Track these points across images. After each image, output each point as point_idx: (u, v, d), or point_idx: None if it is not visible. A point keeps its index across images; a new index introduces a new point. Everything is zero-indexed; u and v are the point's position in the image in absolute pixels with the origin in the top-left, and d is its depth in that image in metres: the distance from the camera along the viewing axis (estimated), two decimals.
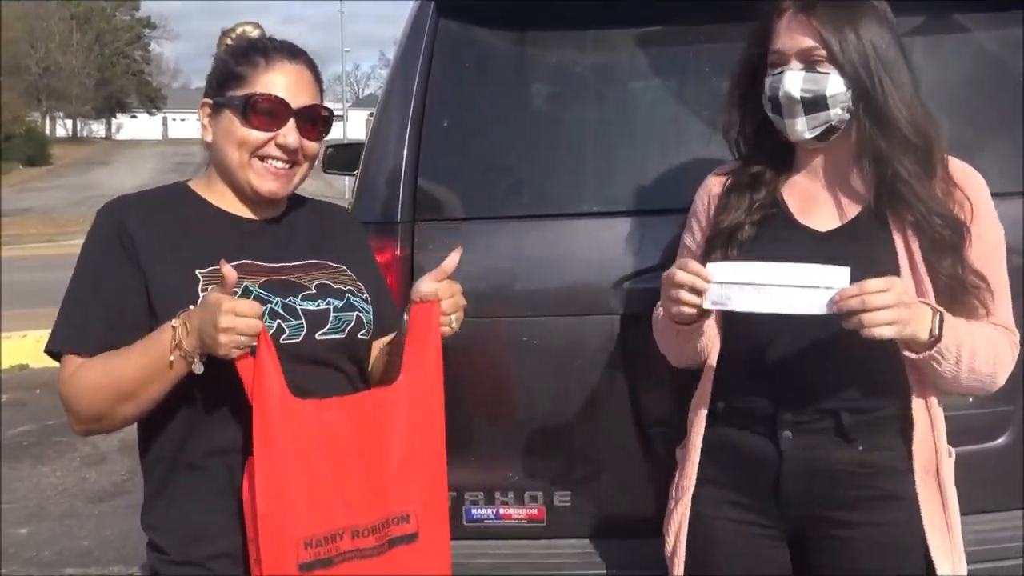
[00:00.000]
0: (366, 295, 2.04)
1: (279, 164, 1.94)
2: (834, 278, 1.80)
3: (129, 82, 76.22)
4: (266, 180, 1.94)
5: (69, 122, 70.15)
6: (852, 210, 2.05)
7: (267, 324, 1.82)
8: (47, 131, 60.86)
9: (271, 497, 1.74)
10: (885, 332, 1.78)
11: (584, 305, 2.47)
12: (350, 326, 1.97)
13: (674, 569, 2.15)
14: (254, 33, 2.03)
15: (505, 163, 2.57)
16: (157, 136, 78.34)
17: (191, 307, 1.78)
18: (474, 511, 2.54)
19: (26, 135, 48.19)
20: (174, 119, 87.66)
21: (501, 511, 2.55)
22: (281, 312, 1.88)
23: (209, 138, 1.98)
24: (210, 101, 1.98)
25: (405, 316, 1.95)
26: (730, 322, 2.12)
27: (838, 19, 1.97)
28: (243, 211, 2.00)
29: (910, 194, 1.96)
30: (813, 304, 1.81)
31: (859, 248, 1.99)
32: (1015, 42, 2.57)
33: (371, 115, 2.62)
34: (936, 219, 1.95)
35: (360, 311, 2.00)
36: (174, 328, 1.75)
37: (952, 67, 2.59)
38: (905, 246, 1.99)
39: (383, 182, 2.53)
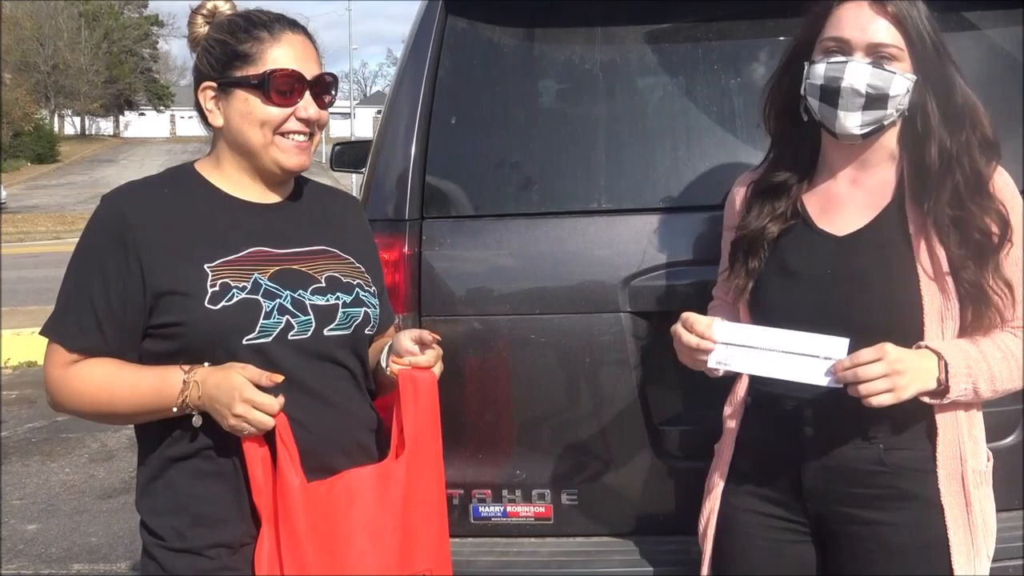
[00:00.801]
0: (373, 289, 2.04)
1: (301, 138, 1.93)
2: (832, 348, 1.83)
3: (137, 80, 76.34)
4: (292, 155, 1.93)
5: (77, 119, 70.32)
6: (872, 212, 2.02)
7: (275, 320, 1.84)
8: (55, 128, 61.00)
9: (297, 570, 1.80)
10: (884, 400, 1.81)
11: (593, 303, 2.46)
12: (357, 322, 1.98)
13: (704, 560, 2.17)
14: (225, 7, 1.99)
15: (513, 160, 2.56)
16: (165, 134, 78.52)
17: (206, 364, 1.81)
18: (481, 509, 2.54)
19: (35, 132, 48.32)
20: (182, 117, 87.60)
21: (508, 509, 2.54)
22: (290, 308, 1.88)
23: (219, 122, 1.95)
24: (213, 84, 1.94)
25: (388, 369, 1.98)
26: (753, 309, 2.11)
27: (911, 16, 1.93)
28: (252, 195, 1.98)
29: (957, 198, 1.93)
30: (812, 374, 1.85)
31: (878, 253, 1.97)
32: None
33: (378, 112, 2.61)
34: (975, 225, 1.93)
35: (368, 306, 2.00)
36: (186, 383, 1.78)
37: (963, 64, 2.58)
38: (928, 249, 1.96)
39: (391, 179, 2.53)
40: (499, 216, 2.53)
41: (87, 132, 70.10)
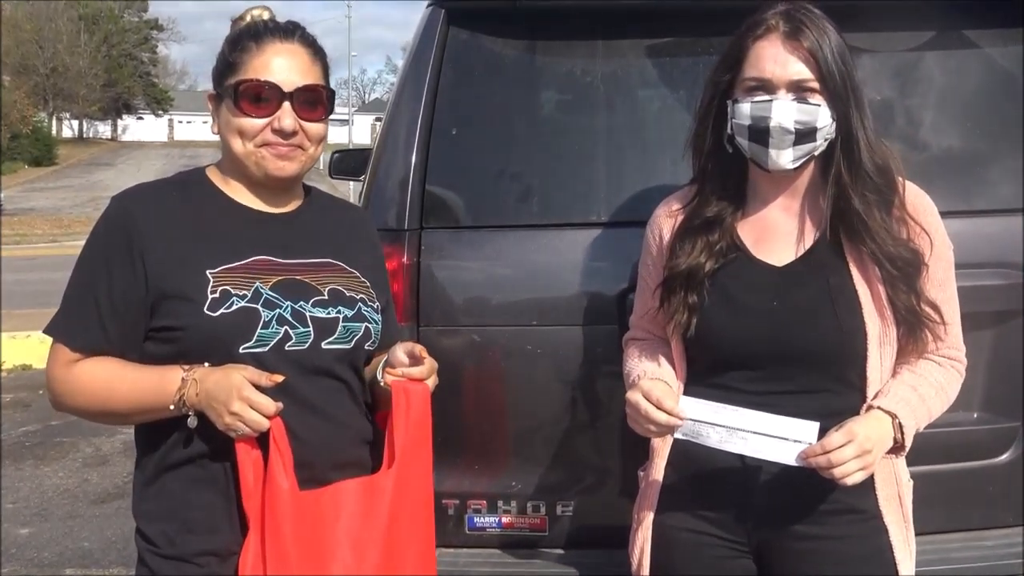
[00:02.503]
0: (376, 304, 2.04)
1: (283, 148, 1.92)
2: (803, 432, 1.84)
3: (136, 83, 76.29)
4: (273, 162, 1.92)
5: (76, 122, 70.24)
6: (808, 239, 2.03)
7: (273, 330, 1.84)
8: (53, 131, 60.95)
9: None
10: (857, 478, 1.84)
11: (591, 315, 2.47)
12: (357, 336, 1.97)
13: (634, 562, 2.14)
14: (265, 15, 1.99)
15: (513, 171, 2.57)
16: (163, 138, 78.59)
17: (206, 364, 1.81)
18: (476, 519, 2.55)
19: (32, 135, 48.27)
20: (180, 121, 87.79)
21: (503, 520, 2.55)
22: (289, 319, 1.88)
23: (215, 130, 1.98)
24: (213, 92, 1.98)
25: (382, 381, 1.97)
26: (695, 344, 2.08)
27: (824, 46, 1.92)
28: (258, 203, 1.99)
29: (866, 229, 1.95)
30: (783, 455, 1.86)
31: (819, 281, 1.98)
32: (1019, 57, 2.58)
33: (377, 119, 2.59)
34: (891, 255, 1.95)
35: (369, 322, 2.00)
36: (184, 380, 1.78)
37: (961, 82, 2.59)
38: (864, 277, 1.98)
39: (391, 189, 2.54)
40: (498, 227, 2.54)
41: (85, 135, 69.98)
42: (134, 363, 1.87)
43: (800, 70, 1.92)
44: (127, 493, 5.75)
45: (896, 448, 1.94)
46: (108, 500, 5.65)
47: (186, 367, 1.81)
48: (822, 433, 1.84)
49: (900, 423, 1.91)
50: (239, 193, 1.98)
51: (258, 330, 1.85)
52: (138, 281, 1.84)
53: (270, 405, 1.76)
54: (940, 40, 2.57)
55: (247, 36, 1.94)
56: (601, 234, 2.52)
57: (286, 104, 1.90)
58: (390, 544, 1.90)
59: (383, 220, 2.49)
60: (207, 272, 1.85)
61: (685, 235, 2.09)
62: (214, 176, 2.01)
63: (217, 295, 1.84)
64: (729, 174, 2.07)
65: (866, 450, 1.82)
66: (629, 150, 2.57)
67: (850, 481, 1.82)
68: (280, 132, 1.90)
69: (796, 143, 1.93)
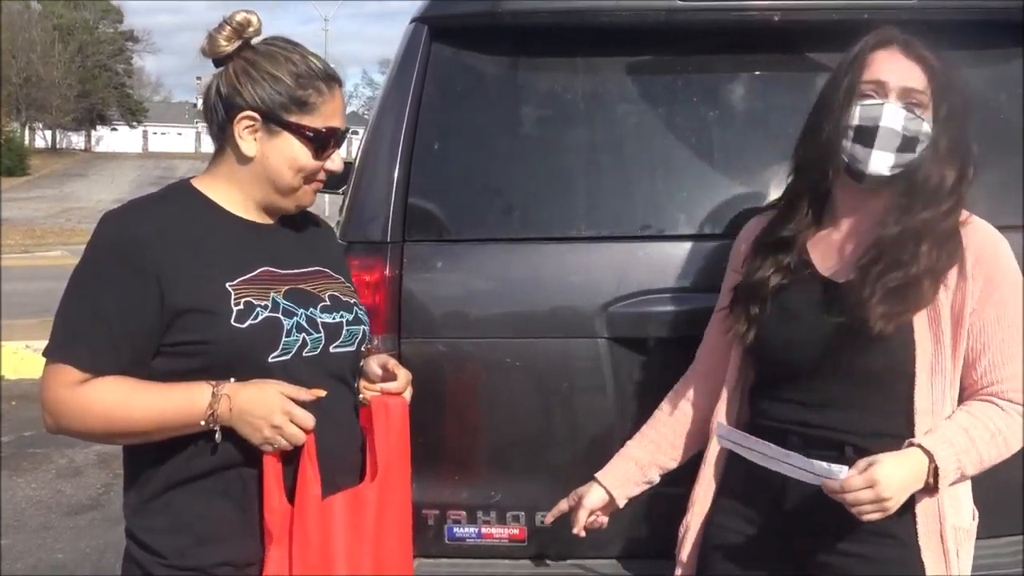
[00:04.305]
0: (364, 308, 2.10)
1: (319, 185, 2.01)
2: (831, 472, 1.88)
3: (110, 94, 75.78)
4: (309, 198, 2.03)
5: (49, 133, 69.66)
6: (868, 255, 2.04)
7: (294, 338, 1.88)
8: (26, 142, 60.42)
9: None
10: (873, 517, 1.88)
11: (571, 328, 2.50)
12: (358, 339, 2.02)
13: (678, 572, 2.24)
14: (253, 19, 1.94)
15: (495, 186, 2.60)
16: (137, 149, 78.08)
17: (232, 379, 1.82)
18: (456, 530, 2.56)
19: (5, 145, 47.84)
20: (155, 132, 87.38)
21: (483, 530, 2.56)
22: (305, 325, 1.92)
23: (252, 152, 1.93)
24: (256, 116, 1.92)
25: (360, 396, 2.06)
26: (753, 354, 2.18)
27: (937, 67, 2.00)
28: (253, 215, 2.01)
29: (908, 254, 1.97)
30: (812, 482, 1.92)
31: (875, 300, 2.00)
32: (1001, 79, 2.63)
33: (353, 132, 2.63)
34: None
35: (365, 324, 2.06)
36: (215, 395, 1.79)
37: None
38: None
39: (374, 201, 2.55)
40: (480, 240, 2.56)
41: (58, 146, 69.37)
42: (148, 382, 1.84)
43: (915, 79, 2.00)
44: (101, 505, 5.74)
45: (928, 490, 1.94)
46: (82, 512, 5.62)
47: (213, 383, 1.80)
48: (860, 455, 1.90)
49: (936, 467, 1.91)
50: (232, 205, 1.99)
51: (283, 339, 1.87)
52: (151, 298, 1.82)
53: (310, 419, 1.80)
54: None
55: (317, 77, 1.95)
56: (582, 248, 2.54)
57: (336, 149, 1.99)
58: (377, 555, 1.95)
59: (365, 233, 2.51)
60: (227, 285, 1.86)
61: (758, 251, 2.17)
62: (203, 187, 1.99)
63: (241, 307, 1.85)
64: (813, 194, 2.12)
65: (883, 497, 1.85)
66: (609, 165, 2.60)
67: (865, 518, 1.87)
68: (330, 172, 2.00)
69: (899, 149, 1.98)
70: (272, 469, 1.83)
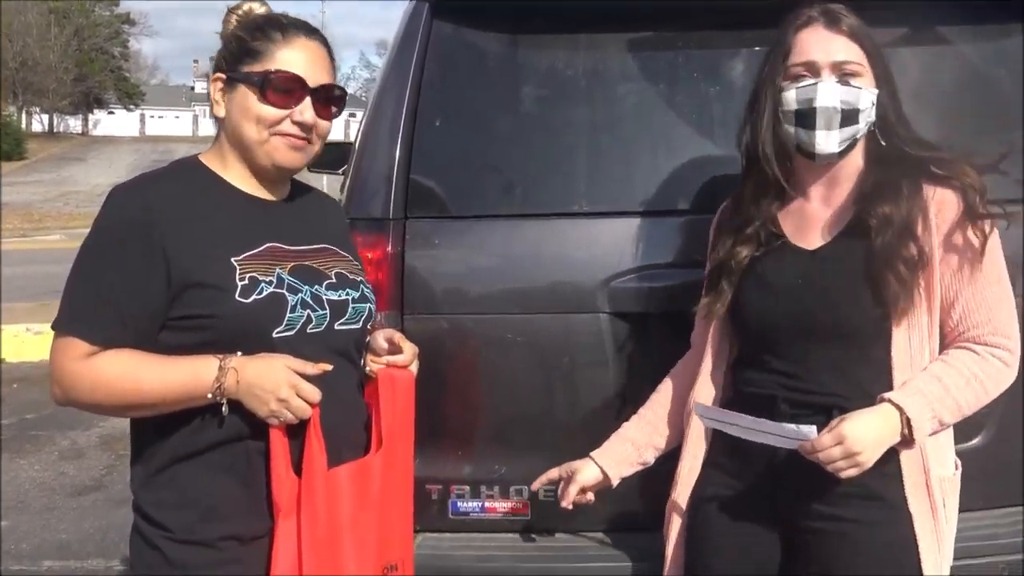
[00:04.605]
0: (371, 286, 2.11)
1: (296, 140, 1.96)
2: (802, 435, 1.93)
3: (107, 78, 75.48)
4: (284, 153, 1.96)
5: (45, 117, 69.43)
6: (841, 224, 2.10)
7: (299, 314, 1.90)
8: (23, 126, 60.26)
9: (317, 560, 1.85)
10: (850, 473, 1.92)
11: (573, 303, 2.52)
12: (363, 317, 2.04)
13: (669, 545, 2.27)
14: (260, 10, 2.02)
15: (496, 163, 2.61)
16: (135, 133, 77.81)
17: (239, 353, 1.83)
18: (460, 504, 2.58)
19: (2, 129, 47.72)
20: (152, 116, 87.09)
21: (486, 504, 2.59)
22: (310, 302, 1.93)
23: (222, 113, 1.99)
24: (223, 76, 1.97)
25: (367, 368, 2.06)
26: (733, 325, 2.22)
27: (863, 32, 2.04)
28: (259, 191, 2.02)
29: (885, 211, 2.01)
30: (788, 447, 1.98)
31: (845, 261, 2.05)
32: (996, 54, 2.64)
33: (351, 115, 2.63)
34: (898, 239, 2.00)
35: (371, 302, 2.07)
36: (223, 369, 1.80)
37: (935, 77, 2.65)
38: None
39: (376, 179, 2.56)
40: (482, 217, 2.58)
41: (55, 130, 69.12)
42: (155, 354, 1.85)
43: (843, 51, 2.03)
44: (104, 486, 5.77)
45: (905, 442, 1.97)
46: (85, 493, 5.64)
47: (220, 356, 1.81)
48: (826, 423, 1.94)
49: (908, 418, 1.94)
50: (239, 180, 2.00)
51: (287, 315, 1.88)
52: (158, 272, 1.83)
53: (316, 393, 1.81)
54: (915, 37, 2.63)
55: (271, 26, 1.97)
56: (583, 224, 2.56)
57: (307, 99, 1.94)
58: (382, 526, 1.97)
59: (368, 210, 2.53)
60: (232, 260, 1.87)
61: (727, 232, 2.21)
62: (211, 163, 2.02)
63: (246, 282, 1.86)
64: (772, 174, 2.14)
65: (854, 452, 1.89)
66: (610, 142, 2.61)
67: (843, 476, 1.91)
68: (300, 124, 1.94)
69: (842, 125, 2.01)
70: (279, 443, 1.84)
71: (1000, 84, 2.64)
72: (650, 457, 2.35)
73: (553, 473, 2.35)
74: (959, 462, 2.15)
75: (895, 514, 2.02)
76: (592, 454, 2.34)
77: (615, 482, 2.34)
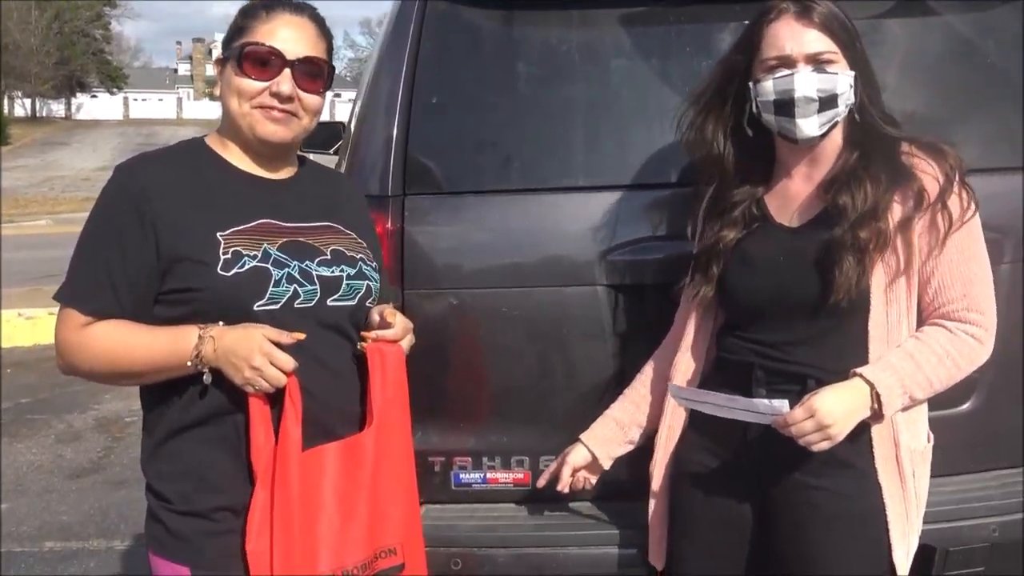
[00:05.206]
0: (375, 264, 2.13)
1: (276, 113, 2.00)
2: (775, 409, 1.99)
3: (89, 61, 74.94)
4: (265, 124, 2.00)
5: (28, 101, 68.91)
6: (821, 203, 2.15)
7: (284, 288, 1.92)
8: (5, 110, 59.78)
9: (288, 536, 1.87)
10: (822, 446, 1.98)
11: (570, 276, 2.55)
12: (360, 294, 2.06)
13: (651, 505, 2.35)
14: None
15: (493, 138, 2.63)
16: (118, 116, 77.23)
17: (221, 324, 1.87)
18: (462, 476, 2.62)
19: None
20: (135, 99, 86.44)
21: (488, 475, 2.63)
22: (297, 277, 1.96)
23: (219, 92, 2.06)
24: (220, 57, 2.04)
25: (358, 345, 2.06)
26: (720, 303, 2.28)
27: (835, 22, 2.07)
28: (258, 169, 2.06)
29: (858, 191, 2.06)
30: (761, 422, 2.03)
31: (826, 237, 2.08)
32: (984, 26, 2.67)
33: (336, 95, 2.64)
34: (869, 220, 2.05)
35: (370, 279, 2.09)
36: (201, 337, 1.85)
37: (923, 49, 2.69)
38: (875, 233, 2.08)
39: (374, 156, 2.59)
40: (480, 192, 2.60)
41: (38, 114, 68.64)
42: (145, 325, 1.92)
43: (816, 43, 2.06)
44: (102, 468, 5.80)
45: (875, 416, 2.02)
46: (84, 475, 5.68)
47: (201, 326, 1.87)
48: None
49: (878, 394, 1.99)
50: (239, 159, 2.06)
51: (270, 288, 1.92)
52: (149, 246, 1.90)
53: (289, 362, 1.84)
54: (902, 8, 2.66)
55: (259, 5, 2.02)
56: (579, 198, 2.59)
57: (287, 71, 1.98)
58: (375, 501, 1.99)
59: (367, 187, 2.54)
60: (217, 234, 1.92)
61: (712, 215, 2.26)
62: (213, 143, 2.08)
63: (229, 256, 1.90)
64: (751, 155, 2.21)
65: (826, 424, 1.95)
66: (606, 116, 2.64)
67: (815, 449, 1.97)
68: (277, 96, 1.98)
69: (820, 110, 2.06)
70: (258, 410, 1.87)
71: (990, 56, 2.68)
72: (635, 435, 2.43)
73: (553, 467, 2.46)
74: (932, 435, 2.21)
75: (865, 484, 2.08)
76: (580, 436, 2.43)
77: (605, 463, 2.42)
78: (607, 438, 2.42)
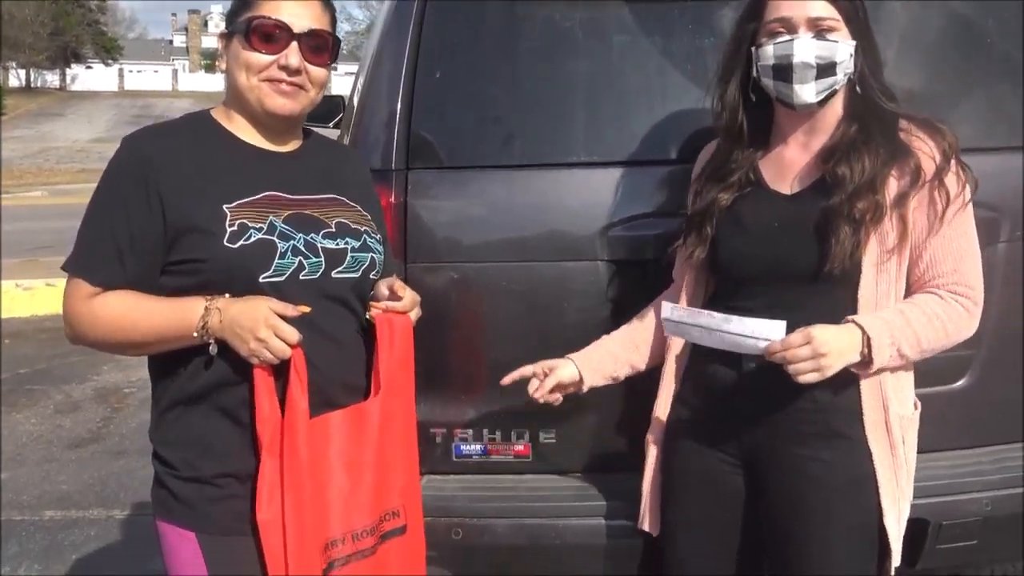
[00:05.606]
0: (379, 236, 2.15)
1: (285, 87, 2.01)
2: (771, 330, 1.99)
3: (84, 32, 74.46)
4: (274, 97, 2.01)
5: (22, 72, 68.51)
6: (819, 172, 2.17)
7: (289, 260, 1.94)
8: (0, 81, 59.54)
9: (299, 501, 1.90)
10: (810, 378, 1.98)
11: (571, 251, 2.58)
12: (364, 266, 2.08)
13: (646, 474, 2.38)
14: None
15: (496, 114, 2.64)
16: (113, 87, 76.86)
17: (227, 295, 1.89)
18: (463, 447, 2.66)
19: None
20: (130, 70, 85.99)
21: (489, 447, 2.66)
22: (303, 249, 1.98)
23: (223, 66, 2.07)
24: (225, 31, 2.06)
25: (367, 315, 2.08)
26: (711, 268, 2.30)
27: None
28: (263, 142, 2.08)
29: (856, 163, 2.08)
30: (753, 350, 2.02)
31: (820, 205, 2.11)
32: (985, 5, 2.69)
33: (332, 68, 2.65)
34: (863, 193, 2.07)
35: (374, 252, 2.11)
36: (207, 308, 1.87)
37: (923, 28, 2.70)
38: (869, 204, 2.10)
39: (378, 130, 2.60)
40: (482, 167, 2.62)
41: (32, 85, 68.27)
42: (151, 295, 1.94)
43: (819, 8, 2.07)
44: (101, 438, 5.83)
45: (863, 363, 2.05)
46: (83, 445, 5.71)
47: (208, 297, 1.89)
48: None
49: (869, 338, 2.02)
50: (244, 132, 2.07)
51: (275, 260, 1.94)
52: (155, 217, 1.92)
53: (294, 334, 1.86)
54: None
55: None
56: (581, 174, 2.61)
57: (294, 44, 1.99)
58: (380, 467, 2.02)
59: (371, 161, 2.55)
60: (224, 207, 1.94)
61: (709, 178, 2.28)
62: (219, 116, 2.09)
63: (235, 228, 1.92)
64: (755, 122, 2.23)
65: (821, 353, 1.96)
66: (608, 92, 2.65)
67: (803, 379, 1.98)
68: (285, 69, 1.99)
69: (818, 77, 2.07)
70: (263, 381, 1.90)
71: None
72: (623, 374, 2.44)
73: (527, 369, 2.37)
74: (919, 403, 2.24)
75: (855, 450, 2.11)
76: (571, 356, 2.39)
77: (586, 387, 2.39)
78: (598, 367, 2.41)
